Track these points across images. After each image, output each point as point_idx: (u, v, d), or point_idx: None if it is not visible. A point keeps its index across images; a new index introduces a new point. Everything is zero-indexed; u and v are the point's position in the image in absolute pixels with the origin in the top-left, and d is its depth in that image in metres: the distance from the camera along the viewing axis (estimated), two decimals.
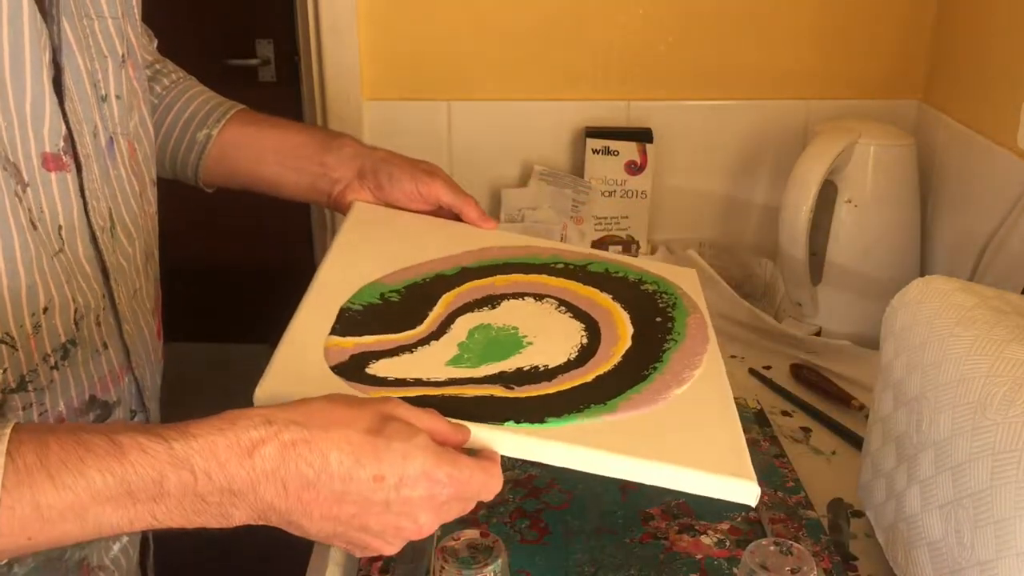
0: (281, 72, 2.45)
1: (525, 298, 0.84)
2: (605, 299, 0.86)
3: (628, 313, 0.84)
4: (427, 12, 1.43)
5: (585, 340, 0.79)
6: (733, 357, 1.24)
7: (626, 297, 0.87)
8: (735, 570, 0.82)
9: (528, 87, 1.47)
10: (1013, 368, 0.66)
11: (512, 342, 0.77)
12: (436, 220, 0.96)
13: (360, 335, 0.75)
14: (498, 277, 0.87)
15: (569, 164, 1.50)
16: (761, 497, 0.88)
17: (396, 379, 0.70)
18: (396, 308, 0.80)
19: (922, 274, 1.19)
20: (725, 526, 0.88)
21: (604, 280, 0.90)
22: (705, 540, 0.86)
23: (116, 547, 0.82)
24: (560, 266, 0.91)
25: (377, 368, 0.71)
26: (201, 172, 0.98)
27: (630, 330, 0.81)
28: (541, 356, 0.75)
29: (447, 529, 0.86)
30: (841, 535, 0.89)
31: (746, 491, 0.66)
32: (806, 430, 1.07)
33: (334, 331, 0.75)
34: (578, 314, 0.83)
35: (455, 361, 0.74)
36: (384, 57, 1.46)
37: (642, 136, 1.45)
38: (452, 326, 0.78)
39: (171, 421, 0.58)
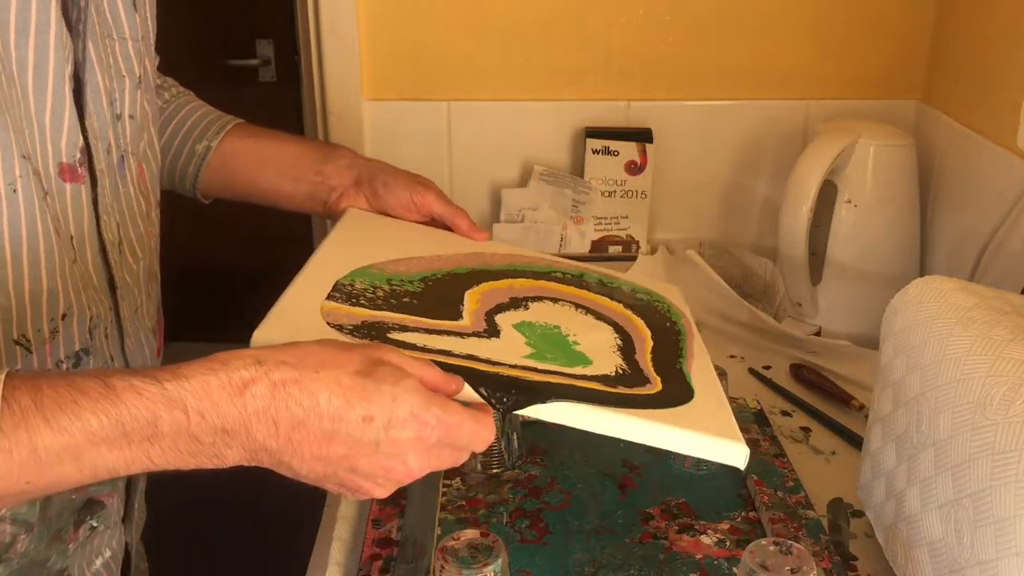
0: (281, 72, 2.45)
1: (544, 301, 0.85)
2: (615, 304, 0.89)
3: (638, 316, 0.88)
4: (427, 12, 1.43)
5: (620, 340, 0.81)
6: (733, 357, 1.24)
7: (630, 303, 0.90)
8: (735, 570, 0.82)
9: (528, 87, 1.47)
10: (1013, 368, 0.66)
11: (561, 341, 0.78)
12: (429, 228, 0.97)
13: (376, 309, 0.75)
14: (515, 280, 0.88)
15: (569, 164, 1.50)
16: (761, 497, 0.89)
17: (440, 350, 0.71)
18: (419, 296, 0.80)
19: (922, 274, 1.19)
20: (725, 526, 0.88)
21: (605, 289, 0.92)
22: (705, 540, 0.86)
23: (99, 561, 0.82)
24: (559, 275, 0.93)
25: (407, 337, 0.71)
26: (199, 183, 0.99)
27: (648, 331, 0.85)
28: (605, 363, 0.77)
29: (447, 529, 0.86)
30: (841, 535, 0.89)
31: (737, 453, 0.69)
32: (806, 430, 1.07)
33: (332, 299, 0.75)
34: (600, 316, 0.85)
35: (536, 357, 0.74)
36: (384, 57, 1.46)
37: (642, 136, 1.45)
38: (498, 325, 0.79)
39: None
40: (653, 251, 1.49)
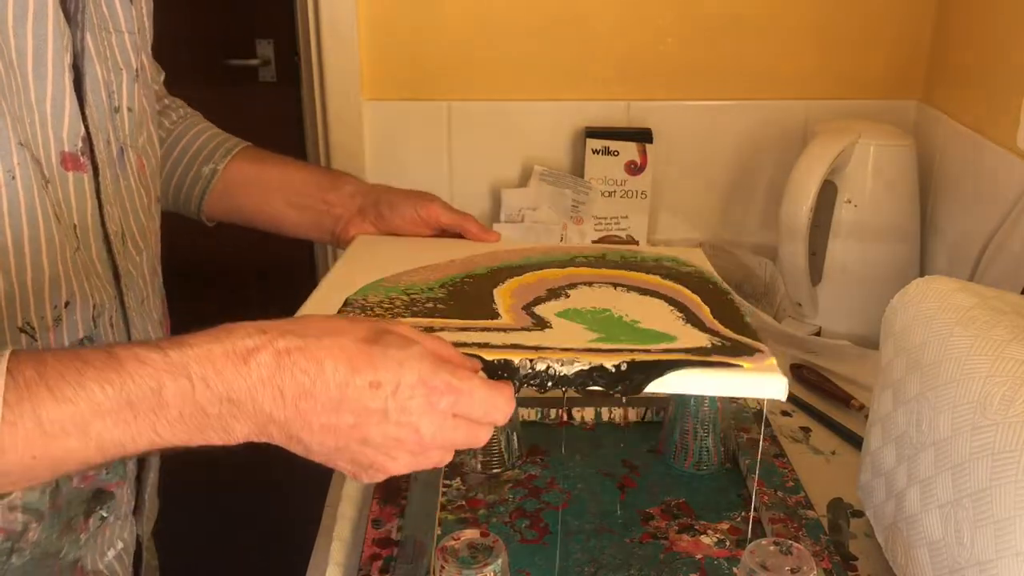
0: (281, 72, 2.44)
1: (579, 287, 0.82)
2: (650, 277, 0.85)
3: (679, 283, 0.84)
4: (427, 12, 1.43)
5: (678, 312, 0.78)
6: None
7: (664, 274, 0.86)
8: (735, 570, 0.82)
9: (528, 87, 1.47)
10: (1013, 368, 0.66)
11: (619, 322, 0.75)
12: (438, 239, 0.96)
13: (395, 318, 0.73)
14: (542, 272, 0.85)
15: (569, 164, 1.50)
16: (761, 497, 0.89)
17: (478, 343, 0.68)
18: (445, 301, 0.77)
19: (922, 274, 1.19)
20: (725, 526, 0.88)
21: (631, 263, 0.89)
22: (705, 540, 0.86)
23: (111, 553, 0.82)
24: (582, 259, 0.90)
25: (454, 337, 0.69)
26: (204, 206, 1.00)
27: (696, 295, 0.81)
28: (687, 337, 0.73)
29: (447, 529, 0.86)
30: (841, 535, 0.89)
31: (777, 385, 0.66)
32: (806, 430, 1.07)
33: (343, 314, 0.74)
34: (643, 292, 0.82)
35: (606, 340, 0.71)
36: (384, 57, 1.46)
37: (642, 136, 1.45)
38: (544, 317, 0.75)
39: None
40: None
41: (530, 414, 1.05)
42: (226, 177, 0.98)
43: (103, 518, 0.79)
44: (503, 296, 0.79)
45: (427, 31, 1.44)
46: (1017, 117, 1.13)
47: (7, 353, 0.53)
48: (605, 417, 1.05)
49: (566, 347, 0.68)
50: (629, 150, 1.45)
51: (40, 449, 0.53)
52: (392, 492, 0.91)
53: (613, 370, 0.66)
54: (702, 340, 0.72)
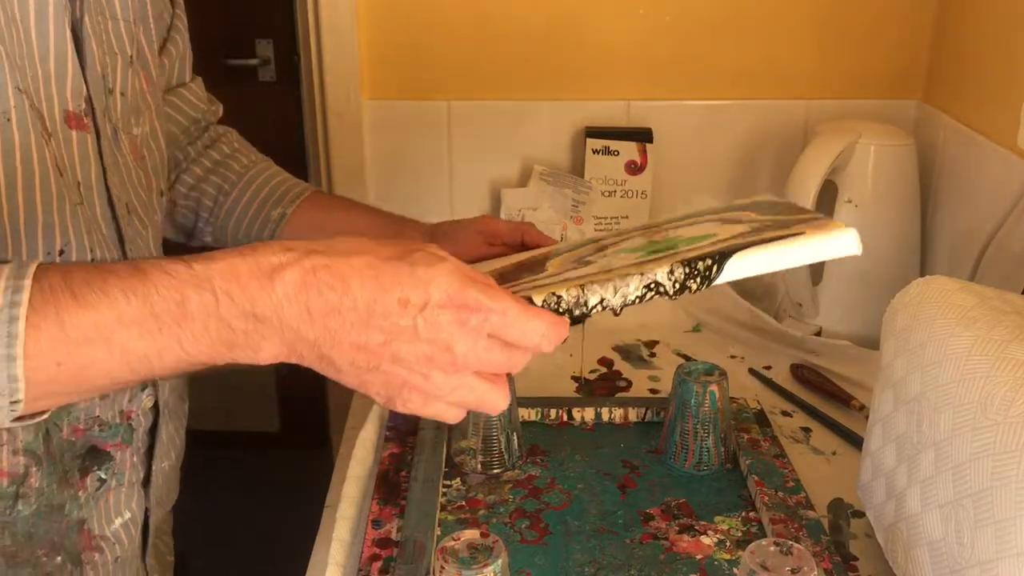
0: (281, 72, 2.45)
1: (623, 243, 0.78)
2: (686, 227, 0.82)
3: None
4: (427, 12, 1.43)
5: (718, 220, 0.76)
6: (733, 357, 1.24)
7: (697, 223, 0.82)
8: (735, 570, 0.82)
9: (528, 87, 1.47)
10: (1013, 368, 0.66)
11: (664, 243, 0.72)
12: (498, 259, 0.93)
13: None
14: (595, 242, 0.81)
15: (569, 164, 1.50)
16: (761, 497, 0.88)
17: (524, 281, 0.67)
18: (498, 279, 0.75)
19: (922, 274, 1.19)
20: (725, 526, 0.88)
21: (662, 228, 0.84)
22: (705, 540, 0.86)
23: (118, 521, 0.82)
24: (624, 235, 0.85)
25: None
26: None
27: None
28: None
29: (447, 529, 0.86)
30: (841, 535, 0.89)
31: (847, 240, 0.64)
32: (806, 430, 1.07)
33: None
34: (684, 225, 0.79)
35: (653, 253, 0.68)
36: (384, 57, 1.46)
37: (642, 136, 1.45)
38: (590, 261, 0.72)
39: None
40: None
41: (530, 414, 1.05)
42: (294, 221, 1.00)
43: (102, 480, 0.79)
44: (553, 263, 0.77)
45: (427, 31, 1.44)
46: (1017, 117, 1.13)
47: (35, 262, 0.53)
48: (605, 417, 1.05)
49: (610, 268, 0.65)
50: (629, 150, 1.45)
51: (64, 355, 0.52)
52: (392, 492, 0.92)
53: (669, 280, 0.63)
54: (742, 228, 0.69)
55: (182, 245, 1.03)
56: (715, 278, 0.64)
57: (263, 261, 0.55)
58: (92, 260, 0.73)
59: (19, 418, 0.55)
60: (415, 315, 0.56)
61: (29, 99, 0.67)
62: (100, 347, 0.53)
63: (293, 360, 0.57)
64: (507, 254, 0.92)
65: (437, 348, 0.56)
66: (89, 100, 0.73)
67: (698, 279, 0.64)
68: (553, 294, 0.62)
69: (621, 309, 0.64)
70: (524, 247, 0.92)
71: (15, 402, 0.53)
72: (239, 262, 0.54)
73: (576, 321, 0.62)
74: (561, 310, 0.62)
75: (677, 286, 0.63)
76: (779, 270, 0.65)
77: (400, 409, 0.59)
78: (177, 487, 0.94)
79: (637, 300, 0.64)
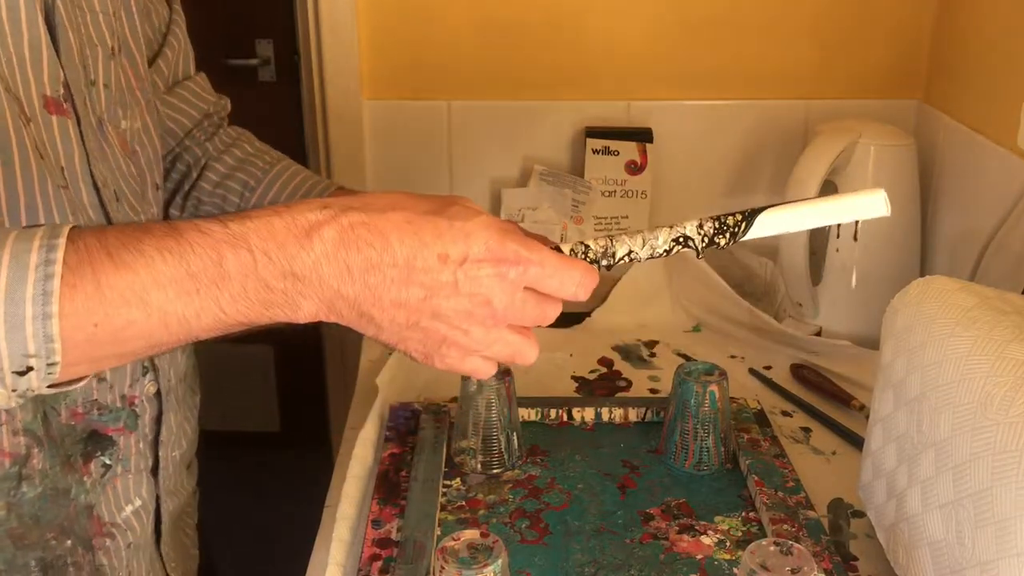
0: (281, 72, 2.45)
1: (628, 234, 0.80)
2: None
3: None
4: (427, 12, 1.43)
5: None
6: (733, 357, 1.24)
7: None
8: (735, 570, 0.82)
9: (528, 87, 1.47)
10: (1013, 368, 0.66)
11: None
12: None
13: None
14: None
15: (569, 164, 1.50)
16: (761, 497, 0.88)
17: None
18: None
19: (922, 274, 1.19)
20: (725, 526, 0.88)
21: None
22: (705, 540, 0.86)
23: (128, 508, 0.82)
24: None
25: None
26: None
27: None
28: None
29: (447, 529, 0.86)
30: (841, 535, 0.89)
31: (877, 201, 0.64)
32: (806, 430, 1.07)
33: None
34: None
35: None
36: (384, 57, 1.46)
37: (642, 136, 1.45)
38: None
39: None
40: None
41: (530, 414, 1.05)
42: None
43: (107, 465, 0.79)
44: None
45: (427, 31, 1.44)
46: (1017, 117, 1.13)
47: (69, 224, 0.53)
48: (605, 417, 1.05)
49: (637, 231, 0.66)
50: (629, 150, 1.45)
51: (101, 316, 0.52)
52: (392, 492, 0.91)
53: (698, 235, 0.64)
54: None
55: None
56: (744, 234, 0.64)
57: (300, 219, 0.54)
58: None
59: (55, 385, 0.54)
60: (455, 269, 0.56)
61: (4, 83, 0.66)
62: (137, 308, 0.52)
63: (332, 319, 0.56)
64: None
65: (477, 302, 0.57)
66: (67, 86, 0.72)
67: (727, 234, 0.64)
68: (581, 243, 0.63)
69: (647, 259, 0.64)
70: None
71: (52, 364, 0.52)
72: (276, 220, 0.54)
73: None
74: (589, 259, 0.62)
75: (706, 240, 0.64)
76: (806, 228, 0.65)
77: (438, 365, 0.60)
78: (193, 479, 0.95)
79: (664, 253, 0.65)
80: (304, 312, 0.55)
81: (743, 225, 0.64)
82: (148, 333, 0.54)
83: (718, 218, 0.64)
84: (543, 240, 0.63)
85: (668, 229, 0.64)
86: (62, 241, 0.52)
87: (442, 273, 0.55)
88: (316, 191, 1.01)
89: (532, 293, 0.58)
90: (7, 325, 0.51)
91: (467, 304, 0.57)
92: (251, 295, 0.54)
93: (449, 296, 0.56)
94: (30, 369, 0.52)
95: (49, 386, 0.55)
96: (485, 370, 0.61)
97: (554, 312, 0.60)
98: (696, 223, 0.64)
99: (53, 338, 0.51)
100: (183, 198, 1.01)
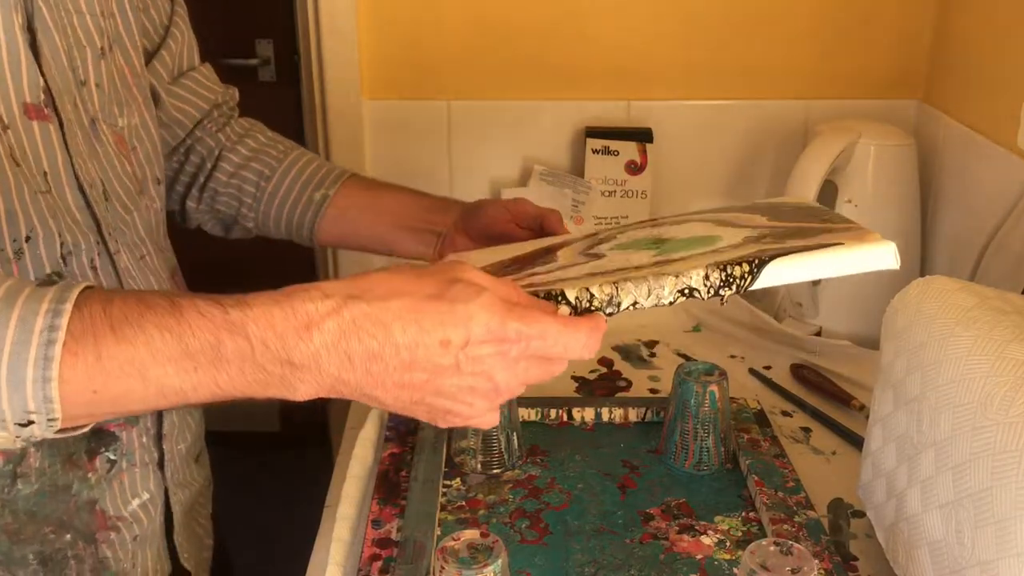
0: (281, 72, 2.45)
1: (626, 233, 0.79)
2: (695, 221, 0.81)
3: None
4: (427, 12, 1.43)
5: (714, 221, 0.76)
6: (733, 357, 1.24)
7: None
8: (735, 570, 0.82)
9: (528, 87, 1.47)
10: (1013, 368, 0.66)
11: (675, 241, 0.72)
12: (521, 243, 0.93)
13: None
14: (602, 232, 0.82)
15: (569, 164, 1.50)
16: (761, 497, 0.88)
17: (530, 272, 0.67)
18: (513, 268, 0.75)
19: (922, 274, 1.19)
20: (725, 526, 0.88)
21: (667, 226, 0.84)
22: (705, 540, 0.86)
23: (135, 502, 0.83)
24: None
25: (526, 282, 0.67)
26: (317, 231, 1.02)
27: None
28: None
29: (447, 529, 0.86)
30: (841, 535, 0.89)
31: (886, 253, 0.64)
32: (806, 430, 1.07)
33: None
34: (682, 222, 0.79)
35: (668, 252, 0.68)
36: (384, 57, 1.46)
37: (642, 136, 1.45)
38: (599, 253, 0.73)
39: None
40: None
41: (530, 414, 1.05)
42: (338, 203, 1.01)
43: (112, 461, 0.80)
44: (564, 255, 0.77)
45: (427, 31, 1.44)
46: (1017, 117, 1.13)
47: (80, 286, 0.54)
48: (605, 417, 1.05)
49: (637, 265, 0.66)
50: (629, 150, 1.45)
51: (100, 384, 0.53)
52: (392, 492, 0.92)
53: (704, 285, 0.63)
54: (748, 232, 0.69)
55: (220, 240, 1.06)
56: (751, 285, 0.64)
57: (300, 309, 0.55)
58: (61, 244, 0.73)
59: (61, 430, 0.56)
60: (456, 353, 0.56)
61: None
62: (135, 379, 0.54)
63: (333, 396, 0.57)
64: (530, 236, 0.93)
65: (479, 380, 0.58)
66: (48, 91, 0.73)
67: (733, 286, 0.64)
68: (586, 290, 0.63)
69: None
70: (543, 232, 0.93)
71: (52, 419, 0.54)
72: (274, 309, 0.55)
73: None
74: (593, 307, 0.62)
75: (712, 292, 0.64)
76: (814, 279, 0.65)
77: (443, 426, 0.62)
78: (204, 471, 0.95)
79: (669, 304, 0.64)
80: (301, 393, 0.56)
81: (749, 277, 0.64)
82: (145, 400, 0.55)
83: (724, 267, 0.63)
84: (545, 293, 0.63)
85: (674, 279, 0.64)
86: (68, 307, 0.53)
87: (444, 357, 0.56)
88: (329, 179, 1.02)
89: (534, 360, 0.59)
90: (10, 384, 0.53)
91: (470, 381, 0.58)
92: (248, 376, 0.55)
93: (451, 376, 0.57)
94: (32, 423, 0.54)
95: (55, 432, 0.56)
96: (490, 421, 0.62)
97: (559, 369, 0.61)
98: (702, 274, 0.63)
99: (52, 399, 0.53)
100: (199, 190, 1.02)
